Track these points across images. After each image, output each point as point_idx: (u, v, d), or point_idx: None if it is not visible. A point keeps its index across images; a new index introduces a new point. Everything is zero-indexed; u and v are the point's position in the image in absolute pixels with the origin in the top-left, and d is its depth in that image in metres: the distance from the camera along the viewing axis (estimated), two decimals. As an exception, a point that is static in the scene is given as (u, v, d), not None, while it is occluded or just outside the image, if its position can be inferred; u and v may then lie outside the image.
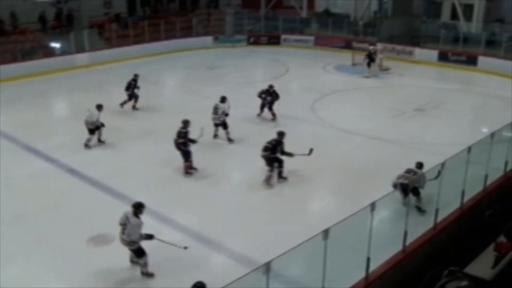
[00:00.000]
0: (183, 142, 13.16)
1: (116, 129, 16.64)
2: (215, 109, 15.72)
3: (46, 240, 10.27)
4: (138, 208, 8.90)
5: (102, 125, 15.30)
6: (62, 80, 24.04)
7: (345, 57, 28.01)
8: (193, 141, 13.32)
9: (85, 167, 13.67)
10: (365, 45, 27.86)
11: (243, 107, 18.62)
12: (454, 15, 30.38)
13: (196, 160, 13.50)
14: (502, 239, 8.73)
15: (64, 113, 20.54)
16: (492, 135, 10.93)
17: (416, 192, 10.71)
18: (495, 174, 11.73)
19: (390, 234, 9.39)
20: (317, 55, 30.39)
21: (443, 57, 27.42)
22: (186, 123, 13.31)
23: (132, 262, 9.33)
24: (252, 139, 15.45)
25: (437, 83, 23.96)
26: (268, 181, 12.68)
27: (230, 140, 15.69)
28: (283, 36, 33.17)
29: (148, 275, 9.07)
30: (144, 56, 28.40)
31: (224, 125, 15.70)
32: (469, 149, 10.10)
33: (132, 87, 18.81)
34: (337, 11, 35.79)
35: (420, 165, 11.11)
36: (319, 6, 36.63)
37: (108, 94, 22.02)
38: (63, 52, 26.84)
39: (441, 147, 14.42)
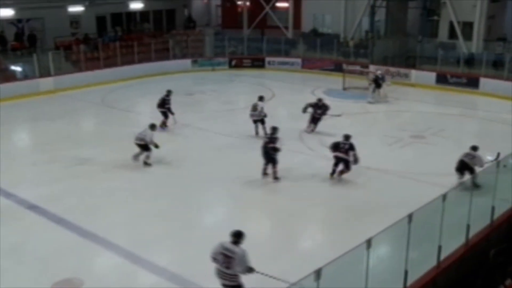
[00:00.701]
0: (275, 147, 14.68)
1: (85, 161, 16.59)
2: (254, 107, 18.57)
3: (5, 286, 10.02)
4: (239, 236, 8.74)
5: (156, 146, 15.97)
6: (24, 107, 23.87)
7: (335, 80, 28.22)
8: (278, 149, 14.76)
9: (48, 202, 13.46)
10: (356, 67, 28.21)
11: (226, 136, 18.67)
12: (452, 34, 30.88)
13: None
14: (510, 281, 8.70)
15: (25, 143, 20.32)
16: (498, 163, 10.99)
17: (472, 171, 13.54)
18: (503, 206, 11.74)
19: (389, 273, 9.31)
20: (305, 78, 30.62)
21: (442, 80, 27.78)
22: (275, 129, 15.00)
23: None
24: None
25: (436, 107, 24.20)
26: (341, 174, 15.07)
27: (267, 134, 17.25)
28: (267, 59, 33.43)
29: None
30: (115, 81, 28.40)
31: (262, 121, 18.45)
32: (473, 179, 10.12)
33: (167, 103, 19.90)
34: (325, 31, 36.26)
35: (474, 148, 14.17)
36: (306, 26, 37.07)
37: (76, 123, 21.91)
38: (26, 76, 26.78)
39: (442, 178, 14.45)
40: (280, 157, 14.77)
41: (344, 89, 27.28)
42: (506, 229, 11.40)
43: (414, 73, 28.78)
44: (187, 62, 32.73)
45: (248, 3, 38.40)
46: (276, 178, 14.93)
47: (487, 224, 11.23)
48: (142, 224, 12.50)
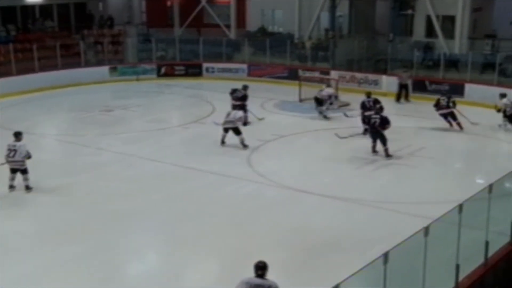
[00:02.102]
0: (385, 127, 18.85)
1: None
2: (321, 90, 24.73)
3: None
4: (265, 268, 9.31)
5: (245, 123, 20.18)
6: None
7: (289, 90, 28.40)
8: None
9: None
10: (315, 74, 28.45)
11: (154, 162, 18.49)
12: (430, 32, 31.61)
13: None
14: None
15: None
16: (491, 187, 11.15)
17: None
18: (499, 241, 11.91)
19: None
20: (252, 89, 30.33)
21: (419, 87, 28.34)
22: (381, 109, 19.51)
23: None
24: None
25: (413, 121, 24.46)
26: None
27: (326, 117, 24.43)
28: (205, 65, 33.60)
29: None
30: (9, 95, 27.83)
31: (320, 102, 24.26)
32: (460, 207, 10.23)
33: (246, 99, 23.17)
34: (276, 30, 36.56)
35: None
36: (253, 24, 37.32)
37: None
38: None
39: (423, 207, 14.59)
40: (227, 185, 14.60)
41: (301, 100, 27.47)
42: (503, 268, 11.53)
43: (385, 79, 29.25)
44: (104, 70, 32.57)
45: (179, -4, 38.53)
46: (388, 155, 18.86)
47: (481, 263, 11.34)
48: (50, 277, 12.15)
